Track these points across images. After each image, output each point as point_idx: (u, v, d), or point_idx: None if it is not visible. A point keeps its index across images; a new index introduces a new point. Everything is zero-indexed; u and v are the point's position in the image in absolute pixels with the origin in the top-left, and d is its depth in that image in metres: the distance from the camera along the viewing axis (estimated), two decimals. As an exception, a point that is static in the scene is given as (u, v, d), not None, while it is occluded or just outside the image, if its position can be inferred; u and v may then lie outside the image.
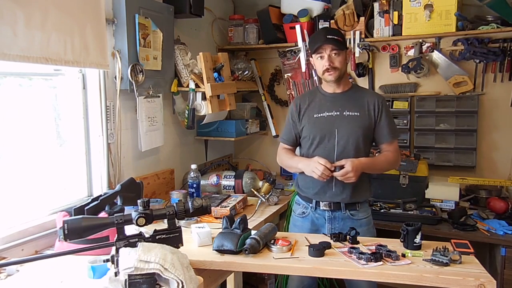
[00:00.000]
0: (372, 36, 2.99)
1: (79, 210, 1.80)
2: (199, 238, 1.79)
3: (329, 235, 1.85)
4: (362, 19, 2.97)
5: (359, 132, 2.05)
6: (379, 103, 2.09)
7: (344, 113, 2.06)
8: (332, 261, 1.62)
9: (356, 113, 2.06)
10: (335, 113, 2.07)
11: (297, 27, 3.09)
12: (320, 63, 2.04)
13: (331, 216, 2.10)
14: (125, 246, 1.43)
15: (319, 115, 2.10)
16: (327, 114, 2.08)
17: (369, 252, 1.63)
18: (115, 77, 2.24)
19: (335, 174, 1.96)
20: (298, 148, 2.27)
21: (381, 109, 2.08)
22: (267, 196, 2.61)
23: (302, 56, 3.14)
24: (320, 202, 2.11)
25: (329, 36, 2.01)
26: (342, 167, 1.94)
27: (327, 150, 2.06)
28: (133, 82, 2.26)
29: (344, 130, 2.05)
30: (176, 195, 2.41)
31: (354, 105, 2.08)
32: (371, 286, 2.07)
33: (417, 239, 1.70)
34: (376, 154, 2.23)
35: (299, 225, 2.18)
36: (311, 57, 2.11)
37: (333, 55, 2.01)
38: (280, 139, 2.27)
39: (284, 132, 2.25)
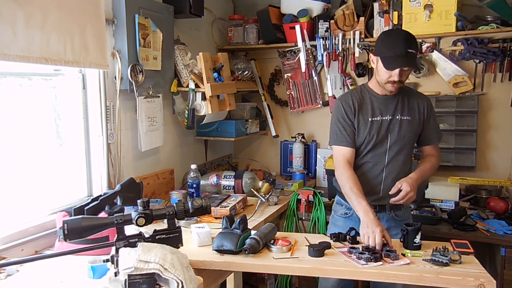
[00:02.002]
0: (372, 36, 2.98)
1: (79, 210, 1.80)
2: (199, 238, 1.80)
3: (329, 235, 1.85)
4: (362, 19, 2.97)
5: (411, 137, 2.01)
6: (428, 106, 2.05)
7: (397, 117, 2.00)
8: (332, 261, 1.62)
9: (408, 117, 2.00)
10: (389, 117, 1.99)
11: (297, 27, 3.09)
12: (387, 72, 1.89)
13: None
14: (125, 246, 1.43)
15: (373, 119, 1.99)
16: (381, 118, 1.99)
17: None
18: (115, 77, 2.24)
19: (395, 199, 1.91)
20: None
21: (429, 111, 2.04)
22: (267, 196, 2.61)
23: (302, 56, 3.14)
24: None
25: (410, 50, 1.84)
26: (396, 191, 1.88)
27: (378, 155, 2.01)
28: (133, 82, 2.26)
29: (396, 135, 1.99)
30: (176, 195, 2.41)
31: (406, 109, 2.01)
32: None
33: (417, 239, 1.70)
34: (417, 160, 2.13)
35: (341, 225, 2.10)
36: (373, 54, 1.97)
37: (405, 69, 1.88)
38: (338, 143, 2.02)
39: (342, 135, 2.01)
